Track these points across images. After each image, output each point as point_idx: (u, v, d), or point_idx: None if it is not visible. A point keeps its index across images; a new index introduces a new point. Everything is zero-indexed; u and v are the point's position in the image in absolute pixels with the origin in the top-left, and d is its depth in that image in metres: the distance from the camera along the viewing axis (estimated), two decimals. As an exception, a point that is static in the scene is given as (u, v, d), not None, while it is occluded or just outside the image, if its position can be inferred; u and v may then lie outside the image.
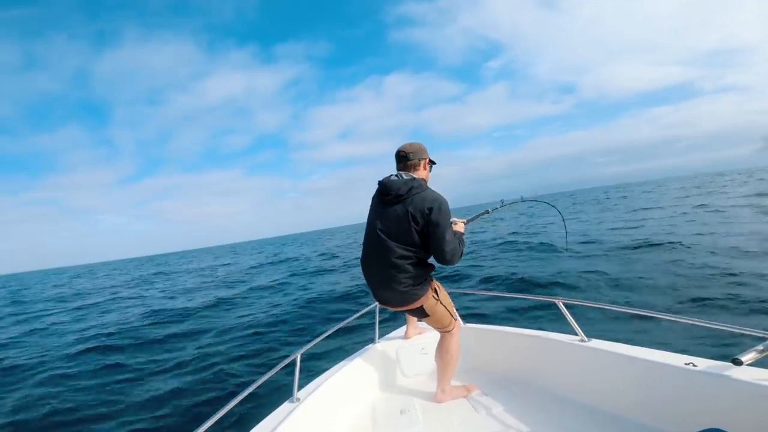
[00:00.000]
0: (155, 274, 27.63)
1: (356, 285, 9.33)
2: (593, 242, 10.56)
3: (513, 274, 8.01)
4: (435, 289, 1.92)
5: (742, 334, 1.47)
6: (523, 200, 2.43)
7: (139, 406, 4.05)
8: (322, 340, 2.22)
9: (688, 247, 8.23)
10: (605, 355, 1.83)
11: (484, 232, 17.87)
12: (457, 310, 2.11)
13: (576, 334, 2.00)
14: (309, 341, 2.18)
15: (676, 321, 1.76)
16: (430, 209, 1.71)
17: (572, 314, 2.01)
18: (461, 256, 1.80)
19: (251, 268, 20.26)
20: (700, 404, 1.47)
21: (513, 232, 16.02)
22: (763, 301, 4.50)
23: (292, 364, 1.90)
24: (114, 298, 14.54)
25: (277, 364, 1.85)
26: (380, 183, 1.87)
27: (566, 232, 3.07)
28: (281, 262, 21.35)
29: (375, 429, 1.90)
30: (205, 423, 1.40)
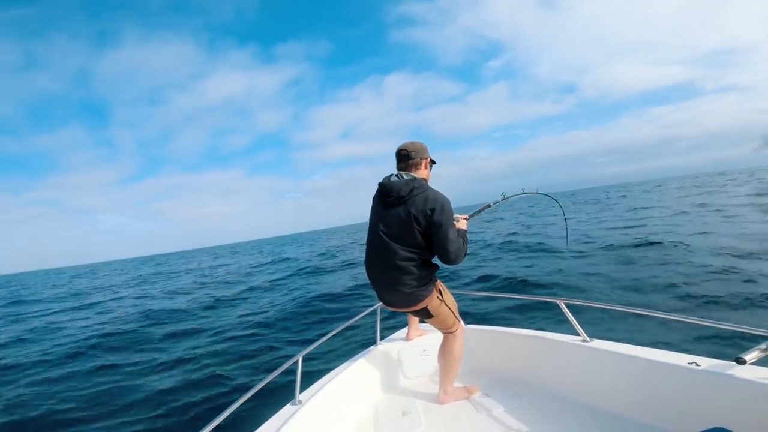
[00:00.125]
0: (155, 274, 27.64)
1: (356, 285, 9.33)
2: (593, 242, 10.57)
3: (513, 274, 8.01)
4: (439, 290, 1.91)
5: (745, 333, 1.46)
6: (524, 193, 2.41)
7: (136, 407, 4.04)
8: (324, 341, 2.21)
9: (688, 246, 8.24)
10: (607, 355, 1.83)
11: (483, 232, 17.87)
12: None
13: (578, 335, 2.00)
14: (310, 343, 2.17)
15: (679, 320, 1.76)
16: (433, 210, 1.70)
17: (574, 314, 2.01)
18: (465, 254, 1.79)
19: (251, 267, 20.27)
20: (704, 403, 1.46)
21: (513, 233, 16.02)
22: (765, 300, 4.50)
23: (294, 366, 1.90)
24: (113, 298, 14.54)
25: (278, 365, 1.85)
26: (381, 185, 1.85)
27: (567, 226, 3.05)
28: (281, 261, 21.36)
29: (377, 431, 1.90)
30: (207, 425, 1.39)
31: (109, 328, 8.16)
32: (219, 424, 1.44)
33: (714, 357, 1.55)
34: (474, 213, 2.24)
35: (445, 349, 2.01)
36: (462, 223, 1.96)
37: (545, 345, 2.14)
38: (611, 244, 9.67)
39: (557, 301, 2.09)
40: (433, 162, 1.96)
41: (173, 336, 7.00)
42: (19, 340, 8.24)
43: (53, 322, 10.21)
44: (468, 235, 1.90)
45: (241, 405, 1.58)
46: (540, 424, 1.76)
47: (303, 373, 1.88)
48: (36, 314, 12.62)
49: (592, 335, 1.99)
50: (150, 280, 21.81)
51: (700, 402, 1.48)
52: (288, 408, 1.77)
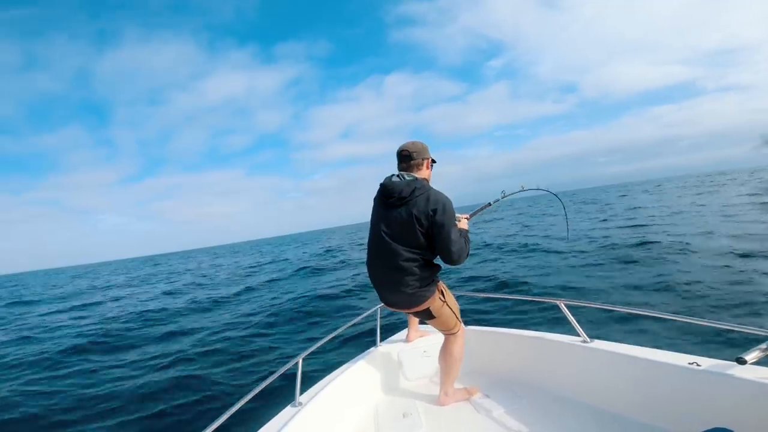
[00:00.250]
0: (154, 274, 27.63)
1: (356, 285, 9.33)
2: (593, 241, 10.57)
3: (512, 275, 8.01)
4: (441, 291, 1.91)
5: (746, 333, 1.46)
6: (524, 189, 2.40)
7: (134, 408, 4.02)
8: (324, 343, 2.21)
9: (689, 245, 8.24)
10: (608, 355, 1.83)
11: (484, 232, 17.86)
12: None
13: (578, 335, 2.00)
14: (311, 344, 2.17)
15: (679, 320, 1.76)
16: (435, 210, 1.70)
17: (574, 315, 2.01)
18: (468, 254, 1.79)
19: (250, 267, 20.28)
20: (704, 403, 1.46)
21: (512, 233, 16.03)
22: (766, 300, 4.49)
23: (294, 367, 1.90)
24: (112, 298, 14.52)
25: (277, 366, 1.85)
26: (382, 185, 1.85)
27: (567, 220, 3.04)
28: (281, 261, 21.36)
29: None
30: (207, 427, 1.39)
31: (106, 328, 8.17)
32: (219, 425, 1.44)
33: (714, 357, 1.55)
34: (474, 212, 2.24)
35: (445, 351, 2.01)
36: (463, 223, 1.96)
37: (545, 346, 2.14)
38: (611, 244, 9.67)
39: (557, 302, 2.09)
40: (434, 162, 1.96)
41: (171, 336, 7.00)
42: (16, 340, 8.22)
43: (51, 322, 10.20)
44: (469, 235, 1.90)
45: (241, 406, 1.57)
46: (540, 424, 1.76)
47: (303, 375, 1.88)
48: (34, 314, 12.61)
49: (592, 336, 1.99)
50: (149, 280, 21.81)
51: (700, 402, 1.48)
52: (288, 410, 1.77)
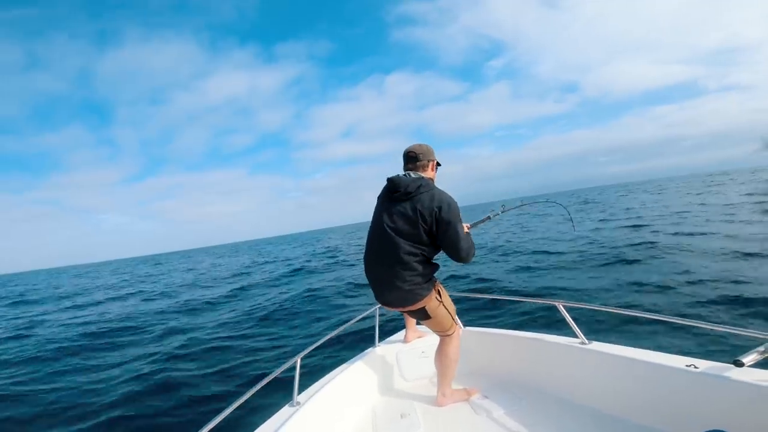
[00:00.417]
0: (154, 273, 27.65)
1: (355, 285, 9.34)
2: (593, 242, 10.56)
3: (511, 276, 8.01)
4: (438, 291, 1.91)
5: (743, 336, 1.46)
6: (522, 204, 2.42)
7: (130, 409, 4.00)
8: (322, 343, 2.22)
9: (689, 245, 8.22)
10: (606, 357, 1.83)
11: (485, 233, 17.85)
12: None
13: (576, 337, 2.00)
14: (309, 344, 2.18)
15: (677, 322, 1.76)
16: (439, 208, 1.71)
17: (572, 317, 2.01)
18: (474, 255, 1.80)
19: (251, 267, 20.30)
20: (702, 406, 1.46)
21: (512, 234, 16.02)
22: (764, 302, 4.48)
23: (292, 367, 1.90)
24: (111, 298, 14.54)
25: (276, 366, 1.85)
26: (389, 180, 1.87)
27: (572, 223, 3.05)
28: (281, 261, 21.38)
29: None
30: (205, 426, 1.39)
31: (104, 327, 8.20)
32: (216, 425, 1.44)
33: (712, 359, 1.55)
34: (475, 223, 2.26)
35: (441, 352, 2.01)
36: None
37: (544, 347, 2.14)
38: (610, 245, 9.66)
39: (556, 303, 2.09)
40: (438, 165, 1.99)
41: (170, 335, 7.01)
42: (13, 339, 8.23)
43: (50, 321, 10.22)
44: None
45: (238, 406, 1.58)
46: (539, 426, 1.76)
47: (301, 375, 1.89)
48: (34, 314, 12.63)
49: (591, 337, 1.98)
50: (149, 280, 21.84)
51: (698, 404, 1.48)
52: (286, 409, 1.78)
